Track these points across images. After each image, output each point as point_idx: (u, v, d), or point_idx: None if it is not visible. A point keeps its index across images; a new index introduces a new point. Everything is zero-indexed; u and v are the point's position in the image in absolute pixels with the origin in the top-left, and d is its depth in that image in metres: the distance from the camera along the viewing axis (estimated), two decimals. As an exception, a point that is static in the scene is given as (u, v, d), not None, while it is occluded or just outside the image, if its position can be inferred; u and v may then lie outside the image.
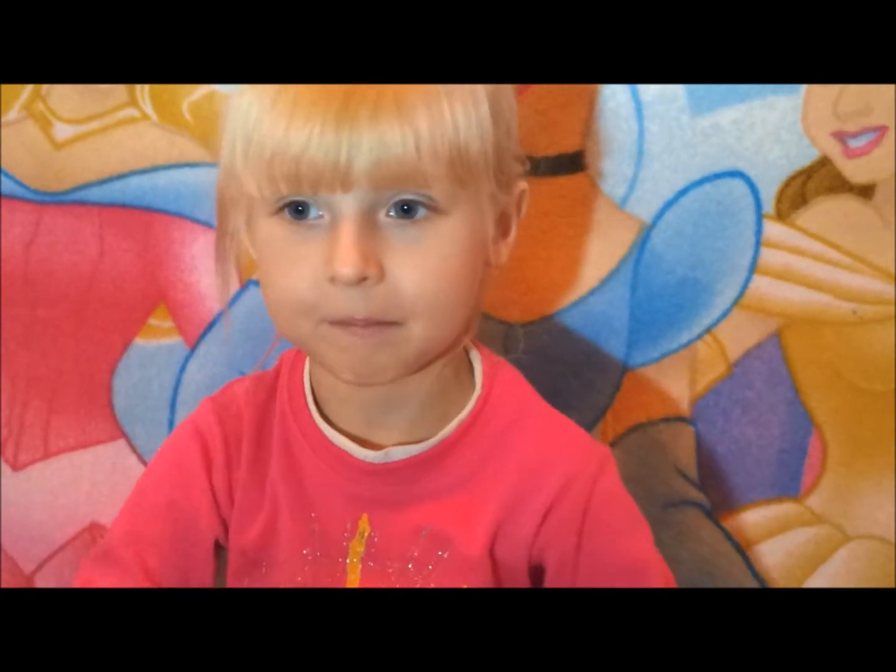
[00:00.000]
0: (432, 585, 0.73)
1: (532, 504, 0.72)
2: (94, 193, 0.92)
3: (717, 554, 0.98)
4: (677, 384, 0.95)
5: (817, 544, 0.97)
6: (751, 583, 0.98)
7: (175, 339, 0.95)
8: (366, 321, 0.66)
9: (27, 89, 0.90)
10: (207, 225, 0.92)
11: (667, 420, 0.96)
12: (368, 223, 0.65)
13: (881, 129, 0.89)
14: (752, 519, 0.97)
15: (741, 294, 0.92)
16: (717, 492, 0.97)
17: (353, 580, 0.74)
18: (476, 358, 0.77)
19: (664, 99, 0.88)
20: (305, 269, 0.66)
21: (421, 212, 0.66)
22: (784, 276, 0.92)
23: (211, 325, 0.94)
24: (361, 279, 0.65)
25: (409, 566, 0.73)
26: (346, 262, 0.64)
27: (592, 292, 0.93)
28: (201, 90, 0.89)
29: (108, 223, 0.92)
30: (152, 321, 0.94)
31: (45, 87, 0.89)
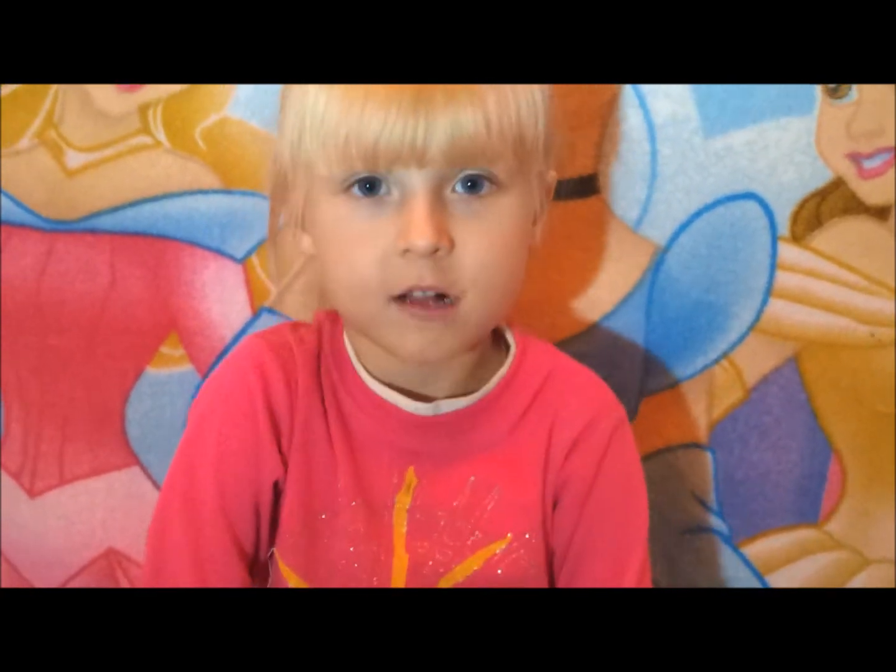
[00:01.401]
0: (479, 533, 0.76)
1: (557, 440, 0.78)
2: (106, 221, 0.92)
3: (736, 580, 0.96)
4: (694, 409, 0.94)
5: (837, 569, 0.96)
6: (771, 610, 0.96)
7: (187, 367, 0.94)
8: (430, 287, 0.70)
9: (39, 117, 0.90)
10: (219, 252, 0.92)
11: (684, 446, 0.95)
12: (438, 198, 0.69)
13: (894, 150, 0.88)
14: (770, 545, 0.96)
15: (757, 318, 0.92)
16: (735, 518, 0.96)
17: (400, 532, 0.76)
18: (505, 328, 0.82)
19: (676, 121, 0.88)
20: (375, 245, 0.70)
21: (485, 187, 0.71)
22: (800, 298, 0.91)
23: (222, 353, 0.94)
24: (434, 250, 0.69)
25: (457, 512, 0.76)
26: (423, 234, 0.68)
27: (607, 316, 0.92)
28: (214, 117, 0.89)
29: (120, 251, 0.92)
30: (164, 349, 0.94)
31: (57, 114, 0.89)
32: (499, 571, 0.76)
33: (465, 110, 0.68)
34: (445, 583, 0.76)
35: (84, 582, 0.98)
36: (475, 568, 0.76)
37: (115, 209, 0.91)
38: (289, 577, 0.77)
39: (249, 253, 0.92)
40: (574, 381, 0.81)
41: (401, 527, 0.77)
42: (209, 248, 0.92)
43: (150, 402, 0.95)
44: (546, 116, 0.74)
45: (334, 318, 0.81)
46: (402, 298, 0.71)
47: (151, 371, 0.95)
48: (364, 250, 0.70)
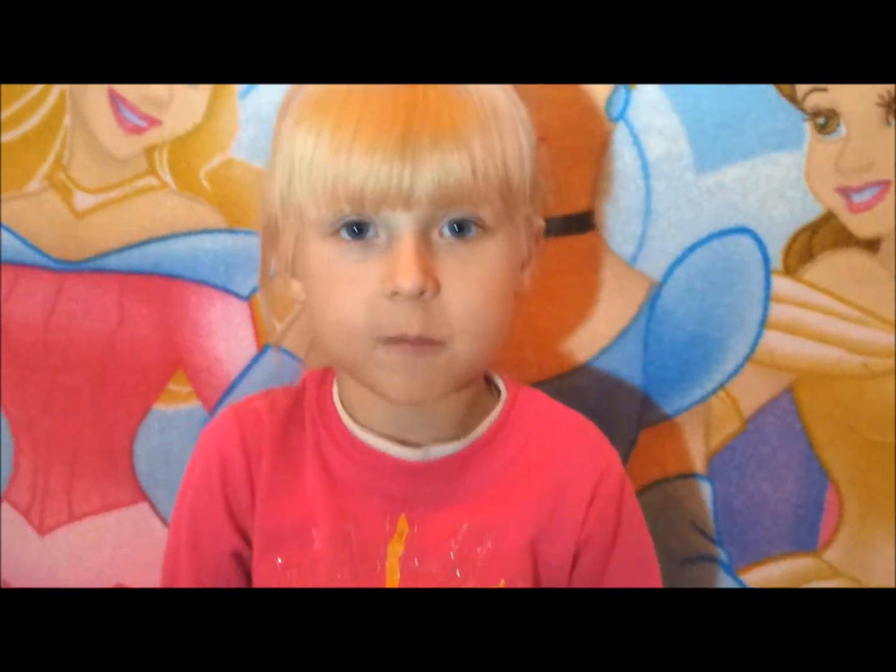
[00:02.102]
0: (472, 581, 0.76)
1: (573, 499, 0.78)
2: (114, 261, 0.94)
3: (737, 610, 0.97)
4: (692, 440, 0.95)
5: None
6: (771, 639, 0.97)
7: (194, 404, 0.96)
8: (417, 337, 0.70)
9: (49, 159, 0.92)
10: (225, 290, 0.94)
11: (683, 476, 0.96)
12: (425, 241, 0.70)
13: (884, 184, 0.90)
14: (770, 573, 0.97)
15: (752, 349, 0.93)
16: (734, 547, 0.97)
17: (393, 580, 0.77)
18: (494, 375, 0.83)
19: (670, 158, 0.90)
20: (362, 288, 0.71)
21: (472, 231, 0.71)
22: (794, 330, 0.93)
23: (229, 389, 0.95)
24: (421, 293, 0.69)
25: (450, 561, 0.76)
26: (409, 276, 0.68)
27: (605, 350, 0.94)
28: (218, 158, 0.91)
29: (128, 290, 0.94)
30: (171, 386, 0.96)
31: (66, 156, 0.92)
32: None
33: (452, 155, 0.69)
34: None
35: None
36: None
37: (123, 249, 0.94)
38: None
39: (254, 290, 0.94)
40: (570, 430, 0.81)
41: (394, 574, 0.77)
42: (215, 287, 0.94)
43: (159, 439, 0.97)
44: (532, 162, 0.75)
45: (322, 375, 0.83)
46: (390, 339, 0.71)
47: (159, 407, 0.96)
48: (352, 293, 0.71)
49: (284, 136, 0.73)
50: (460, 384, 0.75)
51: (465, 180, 0.69)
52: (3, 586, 0.99)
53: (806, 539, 0.97)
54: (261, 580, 0.79)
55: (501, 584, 0.76)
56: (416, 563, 0.76)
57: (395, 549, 0.77)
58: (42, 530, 0.98)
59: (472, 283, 0.71)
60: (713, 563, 0.97)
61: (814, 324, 0.93)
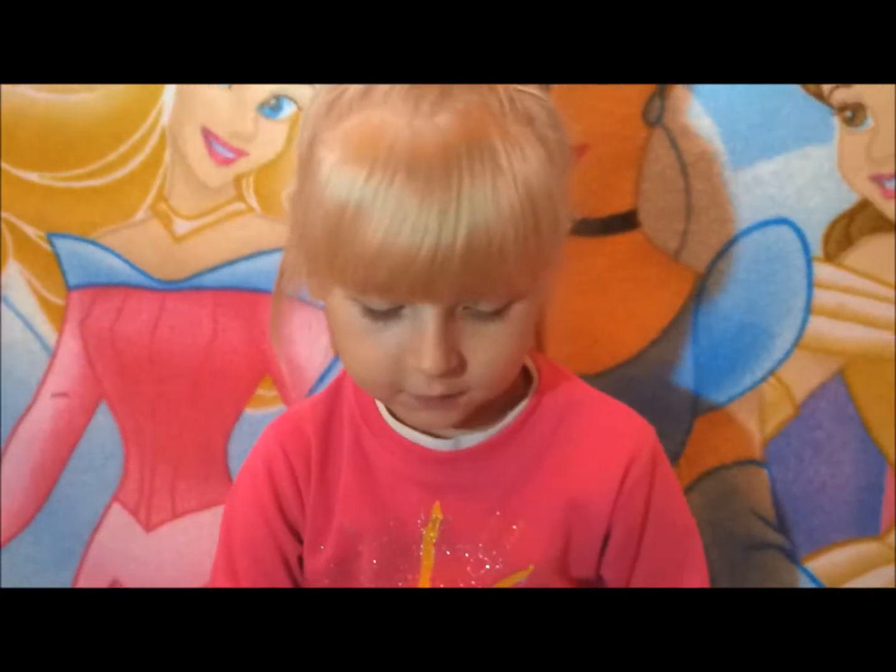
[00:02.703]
0: (501, 565, 0.78)
1: (604, 479, 0.78)
2: (208, 279, 1.05)
3: (803, 597, 0.99)
4: (747, 427, 0.99)
5: (904, 584, 0.98)
6: (840, 626, 0.98)
7: (280, 408, 1.05)
8: (441, 396, 0.72)
9: (152, 193, 1.05)
10: (304, 300, 1.04)
11: (739, 463, 0.99)
12: (451, 317, 0.70)
13: (916, 170, 0.94)
14: (834, 560, 0.99)
15: (800, 335, 0.97)
16: (796, 533, 0.99)
17: (427, 565, 0.80)
18: (529, 361, 0.83)
19: (706, 157, 0.96)
20: (387, 350, 0.71)
21: (498, 311, 0.71)
22: (840, 315, 0.96)
23: (310, 393, 1.04)
24: (446, 373, 0.70)
25: (481, 546, 0.79)
26: (435, 361, 0.69)
27: (655, 342, 0.99)
28: (296, 183, 1.02)
29: (220, 305, 1.05)
30: (259, 391, 1.06)
31: (167, 188, 1.04)
32: None
33: (484, 266, 0.67)
34: None
35: (194, 610, 1.07)
36: None
37: (216, 268, 1.05)
38: None
39: (331, 300, 1.03)
40: (601, 412, 0.81)
41: (428, 560, 0.80)
42: (296, 298, 1.04)
43: (250, 441, 1.05)
44: (565, 214, 0.73)
45: None
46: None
47: (249, 412, 1.06)
48: (376, 353, 0.72)
49: (309, 178, 0.71)
50: (479, 409, 0.77)
51: (497, 288, 0.69)
52: (114, 584, 1.09)
53: (868, 523, 0.98)
54: (309, 571, 0.84)
55: (531, 568, 0.78)
56: (449, 550, 0.80)
57: (430, 536, 0.80)
58: (148, 527, 1.08)
59: (495, 350, 0.72)
60: (776, 551, 0.99)
61: (858, 307, 0.96)
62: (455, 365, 0.71)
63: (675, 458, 0.99)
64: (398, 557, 0.81)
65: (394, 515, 0.81)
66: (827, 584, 0.98)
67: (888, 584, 0.98)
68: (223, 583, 0.86)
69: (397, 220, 0.65)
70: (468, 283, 0.67)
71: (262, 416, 1.06)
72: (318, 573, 0.83)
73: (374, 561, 0.81)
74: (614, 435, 0.80)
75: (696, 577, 0.82)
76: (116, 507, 1.09)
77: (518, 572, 0.79)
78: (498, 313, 0.71)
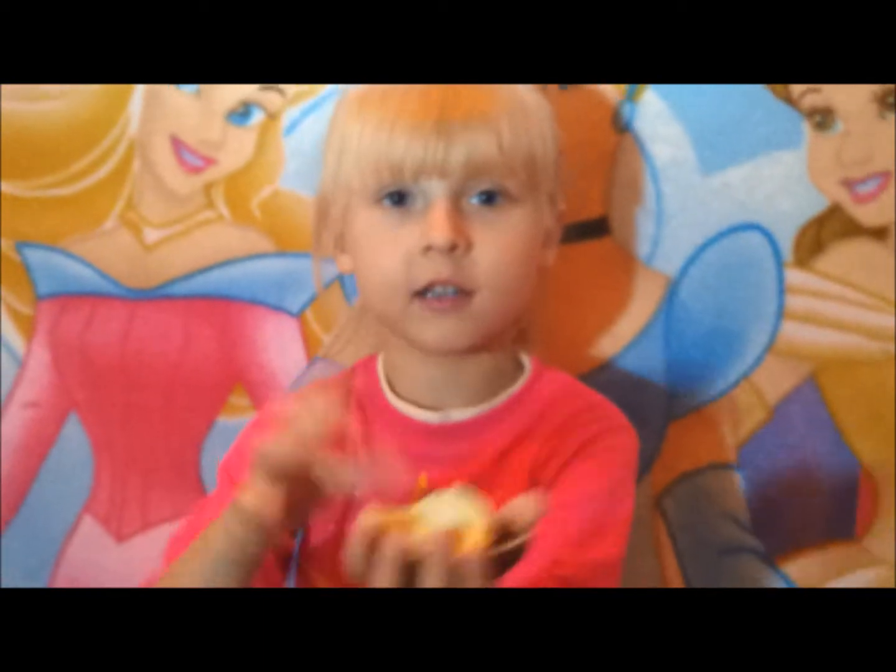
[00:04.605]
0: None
1: (566, 448, 0.82)
2: (179, 288, 1.04)
3: (777, 600, 0.99)
4: (720, 431, 0.99)
5: (878, 586, 0.98)
6: (814, 629, 0.98)
7: (252, 416, 1.05)
8: (447, 281, 0.80)
9: (121, 201, 1.04)
10: (277, 308, 1.03)
11: (713, 467, 0.99)
12: (456, 206, 0.80)
13: (885, 175, 0.94)
14: (809, 563, 0.99)
15: (772, 340, 0.97)
16: (770, 537, 0.99)
17: None
18: (525, 357, 0.89)
19: (676, 163, 0.96)
20: (400, 247, 0.81)
21: (499, 199, 0.81)
22: (811, 319, 0.97)
23: (283, 401, 1.04)
24: (452, 247, 0.79)
25: None
26: (441, 232, 0.79)
27: (628, 347, 0.99)
28: (267, 189, 1.02)
29: (191, 313, 1.04)
30: (232, 400, 1.05)
31: (136, 196, 1.04)
32: None
33: (481, 134, 0.79)
34: None
35: (166, 620, 1.06)
36: None
37: (187, 277, 1.04)
38: (317, 580, 0.86)
39: (304, 307, 1.03)
40: (588, 405, 0.86)
41: None
42: (268, 306, 1.03)
43: (222, 450, 1.05)
44: (554, 141, 0.85)
45: (369, 359, 0.92)
46: (423, 295, 0.81)
47: (222, 420, 1.05)
48: (391, 251, 0.81)
49: (335, 127, 0.85)
50: (487, 337, 0.83)
51: (492, 154, 0.79)
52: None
53: (843, 527, 0.98)
54: (315, 542, 0.87)
55: None
56: None
57: None
58: (120, 538, 1.07)
59: (498, 243, 0.81)
60: (751, 554, 0.99)
61: (830, 312, 0.96)
62: (462, 243, 0.79)
63: (649, 463, 0.99)
64: None
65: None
66: (802, 587, 0.99)
67: (863, 587, 0.98)
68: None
69: (405, 102, 0.80)
70: (469, 156, 0.78)
71: (235, 424, 1.05)
72: (322, 545, 0.86)
73: None
74: (593, 420, 0.84)
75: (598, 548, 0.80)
76: (87, 517, 1.08)
77: None
78: (498, 212, 0.81)
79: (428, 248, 0.79)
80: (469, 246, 0.80)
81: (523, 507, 0.65)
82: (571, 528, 0.78)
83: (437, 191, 0.80)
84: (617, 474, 0.83)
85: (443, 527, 0.64)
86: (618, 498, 0.82)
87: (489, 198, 0.81)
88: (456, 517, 0.65)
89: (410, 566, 0.63)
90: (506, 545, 0.64)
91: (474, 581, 0.63)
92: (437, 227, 0.79)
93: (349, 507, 0.84)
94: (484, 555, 0.63)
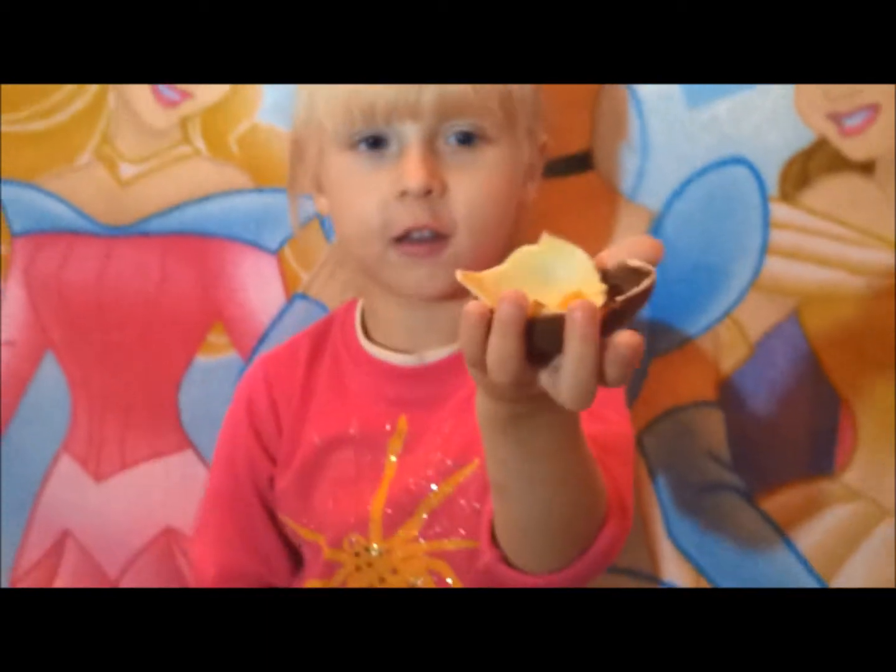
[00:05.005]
0: (451, 461, 0.81)
1: None
2: (156, 224, 1.03)
3: (758, 537, 0.99)
4: (702, 368, 0.98)
5: (856, 522, 0.98)
6: (794, 564, 0.99)
7: (231, 354, 1.03)
8: (425, 226, 0.79)
9: (96, 136, 1.02)
10: (255, 245, 1.02)
11: (695, 404, 0.99)
12: (431, 149, 0.79)
13: (873, 107, 0.93)
14: (788, 499, 0.99)
15: (755, 276, 0.96)
16: (751, 474, 0.99)
17: (389, 475, 0.83)
18: None
19: (662, 96, 0.95)
20: (376, 193, 0.79)
21: (474, 140, 0.80)
22: (795, 255, 0.96)
23: (262, 339, 1.03)
24: (427, 191, 0.78)
25: (438, 453, 0.81)
26: (416, 177, 0.77)
27: (611, 283, 0.98)
28: (245, 124, 1.00)
29: (169, 251, 1.03)
30: (210, 338, 1.04)
31: (111, 131, 1.02)
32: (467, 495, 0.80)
33: (454, 90, 0.76)
34: (424, 509, 0.81)
35: (146, 560, 1.06)
36: (448, 492, 0.81)
37: (163, 213, 1.02)
38: (298, 529, 0.87)
39: (282, 244, 1.01)
40: None
41: (390, 470, 0.83)
42: (246, 242, 1.02)
43: (201, 388, 1.04)
44: (527, 93, 0.82)
45: (349, 305, 0.92)
46: (400, 241, 0.79)
47: (200, 359, 1.04)
48: (367, 197, 0.79)
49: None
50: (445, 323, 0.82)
51: (465, 92, 0.77)
52: (64, 535, 1.07)
53: (822, 463, 0.98)
54: (279, 489, 0.87)
55: (476, 462, 0.80)
56: (411, 457, 0.83)
57: (395, 446, 0.84)
58: (98, 478, 1.06)
59: (475, 185, 0.79)
60: (731, 492, 0.99)
61: (814, 248, 0.96)
62: (437, 186, 0.78)
63: (630, 399, 0.99)
64: (364, 466, 0.84)
65: (362, 429, 0.84)
66: (781, 523, 0.99)
67: (842, 523, 0.98)
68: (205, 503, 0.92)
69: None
70: (442, 95, 0.76)
71: (214, 363, 1.04)
72: (291, 483, 0.86)
73: (339, 471, 0.84)
74: None
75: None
76: (65, 457, 1.07)
77: (466, 466, 0.81)
78: (474, 152, 0.79)
79: (403, 194, 0.78)
80: (444, 189, 0.78)
81: (633, 245, 0.55)
82: None
83: (410, 134, 0.78)
84: None
85: (556, 285, 0.54)
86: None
87: (465, 138, 0.79)
88: (562, 272, 0.55)
89: (537, 335, 0.52)
90: (632, 291, 0.52)
91: (624, 349, 0.52)
92: (411, 171, 0.77)
93: (306, 452, 0.86)
94: (618, 308, 0.52)
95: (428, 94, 0.77)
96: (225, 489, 0.91)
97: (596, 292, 0.53)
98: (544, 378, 0.54)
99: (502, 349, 0.52)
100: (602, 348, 0.52)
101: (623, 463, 0.75)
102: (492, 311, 0.53)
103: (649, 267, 0.53)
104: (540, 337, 0.52)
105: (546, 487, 0.63)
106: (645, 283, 0.52)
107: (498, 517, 0.67)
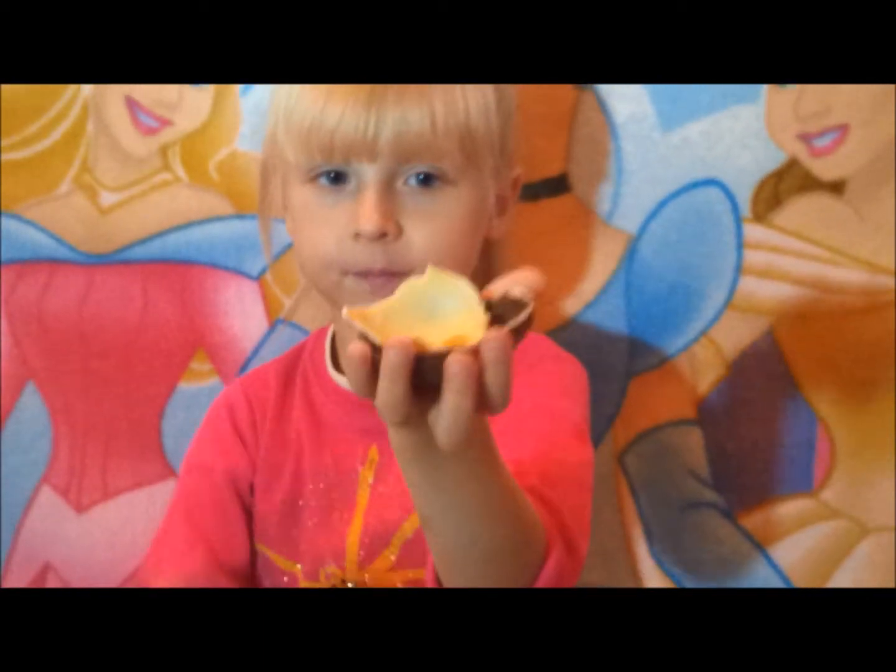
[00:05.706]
0: None
1: None
2: (137, 252, 1.03)
3: (739, 554, 1.00)
4: (680, 388, 1.00)
5: (837, 539, 0.99)
6: (776, 581, 0.99)
7: (214, 381, 1.04)
8: (381, 271, 0.79)
9: (75, 164, 1.03)
10: (237, 271, 1.02)
11: (674, 424, 1.00)
12: (389, 190, 0.78)
13: (843, 128, 0.95)
14: (769, 516, 1.00)
15: (730, 295, 0.98)
16: (731, 491, 1.00)
17: (362, 504, 0.83)
18: None
19: (635, 119, 0.96)
20: (332, 229, 0.80)
21: (434, 182, 0.79)
22: (769, 274, 0.97)
23: (245, 365, 1.03)
24: (381, 235, 0.77)
25: None
26: (370, 220, 0.77)
27: (589, 305, 0.99)
28: (224, 151, 1.01)
29: (150, 278, 1.03)
30: (193, 365, 1.04)
31: (91, 159, 1.02)
32: None
33: (413, 109, 0.76)
34: (398, 539, 0.82)
35: (129, 589, 1.06)
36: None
37: (144, 240, 1.03)
38: (275, 559, 0.86)
39: (264, 270, 1.02)
40: (548, 356, 0.85)
41: (363, 500, 0.84)
42: (228, 269, 1.03)
43: (184, 416, 1.04)
44: (500, 116, 0.81)
45: (320, 332, 0.92)
46: (357, 273, 0.80)
47: (183, 386, 1.04)
48: (325, 231, 0.80)
49: (278, 90, 0.83)
50: None
51: (424, 133, 0.77)
52: (46, 567, 1.07)
53: (801, 480, 0.99)
54: (261, 511, 0.87)
55: None
56: (383, 488, 0.83)
57: (366, 476, 0.84)
58: (80, 508, 1.06)
59: (432, 228, 0.79)
60: (712, 509, 1.00)
61: (787, 267, 0.97)
62: (392, 230, 0.78)
63: (610, 420, 1.00)
64: (337, 498, 0.84)
65: (335, 460, 0.85)
66: (762, 541, 0.99)
67: (824, 540, 0.99)
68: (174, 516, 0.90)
69: (336, 89, 0.77)
70: (400, 135, 0.76)
71: (197, 390, 1.04)
72: (270, 513, 0.86)
73: (314, 502, 0.84)
74: (531, 355, 0.80)
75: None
76: (46, 488, 1.06)
77: None
78: (434, 194, 0.78)
79: (357, 236, 0.78)
80: (400, 232, 0.78)
81: (517, 277, 0.57)
82: (527, 437, 0.73)
83: (369, 174, 0.78)
84: (566, 381, 0.83)
85: (442, 318, 0.55)
86: (571, 397, 0.81)
87: (425, 179, 0.79)
88: (448, 304, 0.56)
89: (424, 371, 0.53)
90: (515, 319, 0.54)
91: (504, 376, 0.53)
92: (366, 215, 0.77)
93: (284, 483, 0.86)
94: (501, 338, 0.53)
95: (385, 132, 0.76)
96: (202, 494, 0.89)
97: (479, 324, 0.55)
98: (432, 414, 0.55)
99: (391, 393, 0.53)
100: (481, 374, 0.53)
101: (573, 492, 0.73)
102: (376, 350, 0.54)
103: (528, 298, 0.56)
104: (427, 372, 0.54)
105: (464, 517, 0.61)
106: (522, 316, 0.55)
107: (430, 548, 0.66)
